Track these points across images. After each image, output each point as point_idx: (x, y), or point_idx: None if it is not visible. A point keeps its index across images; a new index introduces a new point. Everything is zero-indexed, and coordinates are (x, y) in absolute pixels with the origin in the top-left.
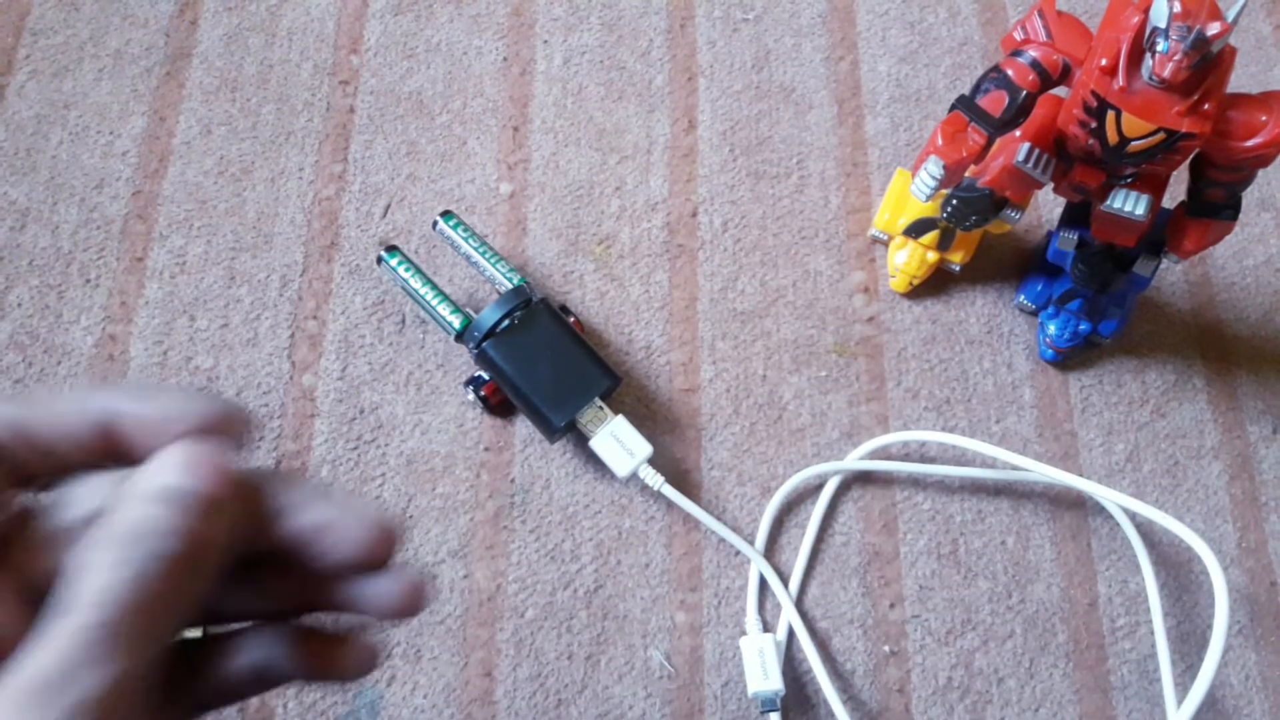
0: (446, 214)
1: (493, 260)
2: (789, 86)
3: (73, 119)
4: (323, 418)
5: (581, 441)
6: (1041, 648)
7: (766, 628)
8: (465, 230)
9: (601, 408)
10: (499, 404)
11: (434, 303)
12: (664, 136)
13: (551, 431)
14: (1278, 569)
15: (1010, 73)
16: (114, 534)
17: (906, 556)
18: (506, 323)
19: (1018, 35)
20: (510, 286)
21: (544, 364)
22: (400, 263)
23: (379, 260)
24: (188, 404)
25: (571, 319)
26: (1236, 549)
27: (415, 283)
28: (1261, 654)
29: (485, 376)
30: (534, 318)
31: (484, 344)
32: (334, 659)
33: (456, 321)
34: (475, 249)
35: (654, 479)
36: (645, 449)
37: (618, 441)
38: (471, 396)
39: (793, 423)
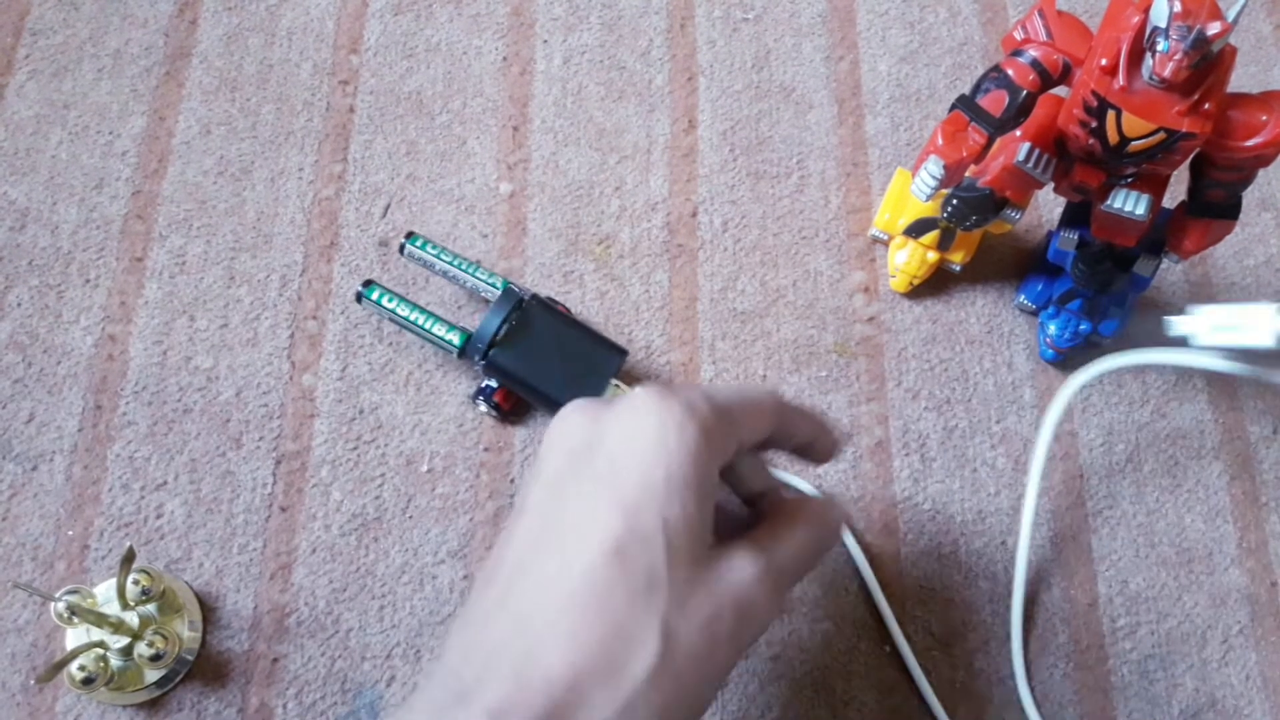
0: (411, 236)
1: (471, 270)
2: (789, 86)
3: (72, 119)
4: (322, 418)
5: None
6: (1042, 648)
7: None
8: (435, 248)
9: (618, 385)
10: (511, 409)
11: (427, 326)
12: (664, 136)
13: None
14: (1278, 569)
15: (1010, 72)
16: (818, 520)
17: (907, 557)
18: (506, 327)
19: (1018, 35)
20: (495, 290)
21: (553, 358)
22: (380, 295)
23: (358, 298)
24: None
25: (559, 308)
26: (1236, 549)
27: (402, 310)
28: (1261, 654)
29: (493, 385)
30: (529, 316)
31: (490, 353)
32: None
33: (455, 339)
34: (450, 263)
35: None
36: None
37: None
38: (484, 408)
39: None
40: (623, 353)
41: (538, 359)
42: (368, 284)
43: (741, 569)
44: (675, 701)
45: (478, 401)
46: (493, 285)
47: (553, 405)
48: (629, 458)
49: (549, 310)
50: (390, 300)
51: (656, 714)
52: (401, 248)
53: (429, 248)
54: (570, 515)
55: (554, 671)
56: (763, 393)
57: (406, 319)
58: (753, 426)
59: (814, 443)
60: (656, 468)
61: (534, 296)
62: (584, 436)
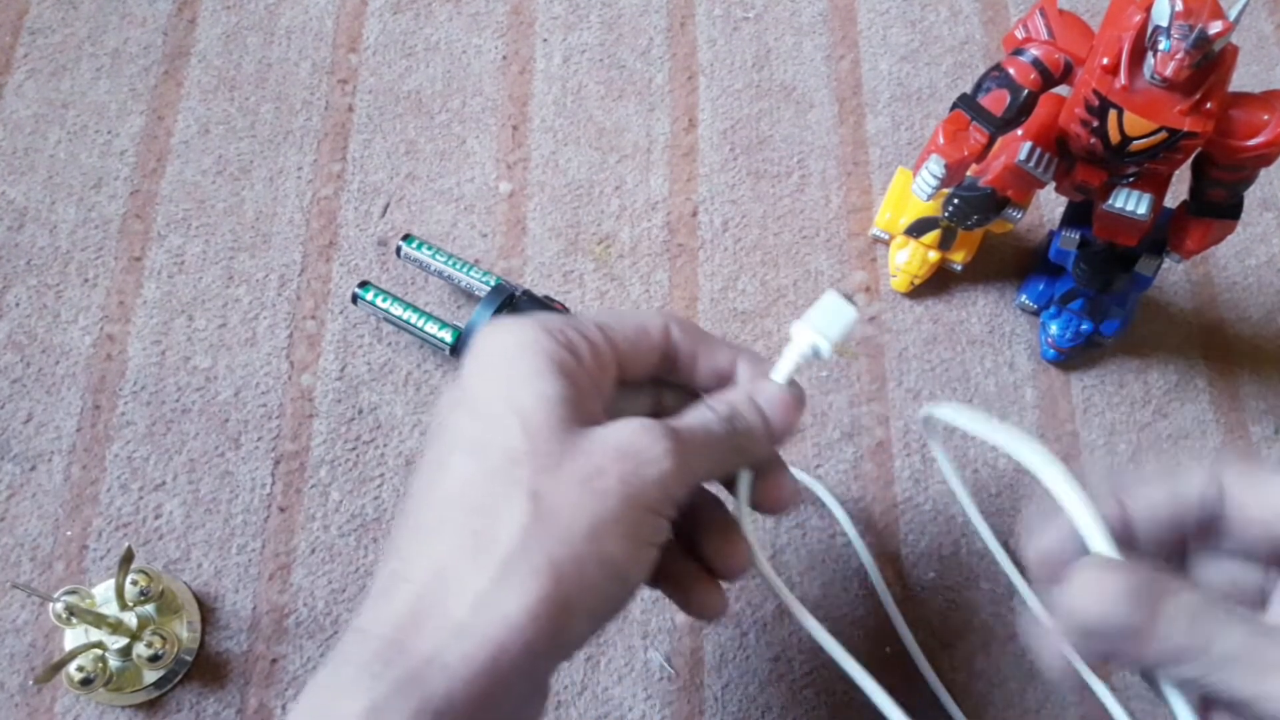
0: (408, 237)
1: (465, 269)
2: (790, 85)
3: (71, 118)
4: (321, 418)
5: None
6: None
7: None
8: (431, 248)
9: None
10: None
11: (421, 324)
12: (664, 135)
13: None
14: None
15: (1012, 71)
16: (730, 404)
17: (907, 557)
18: None
19: (1019, 34)
20: (489, 288)
21: None
22: (376, 295)
23: (354, 299)
24: (736, 356)
25: (556, 305)
26: None
27: (396, 310)
28: None
29: None
30: (520, 310)
31: None
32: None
33: (448, 336)
34: (445, 263)
35: None
36: None
37: None
38: None
39: None
40: None
41: None
42: (363, 285)
43: (625, 424)
44: (566, 555)
45: None
46: (485, 282)
47: None
48: (477, 370)
49: (540, 304)
50: (385, 300)
51: (542, 569)
52: (398, 250)
53: (425, 249)
54: (438, 445)
55: (415, 572)
56: (648, 311)
57: (400, 318)
58: (625, 327)
59: (732, 374)
60: (498, 366)
61: (525, 291)
62: (455, 382)
